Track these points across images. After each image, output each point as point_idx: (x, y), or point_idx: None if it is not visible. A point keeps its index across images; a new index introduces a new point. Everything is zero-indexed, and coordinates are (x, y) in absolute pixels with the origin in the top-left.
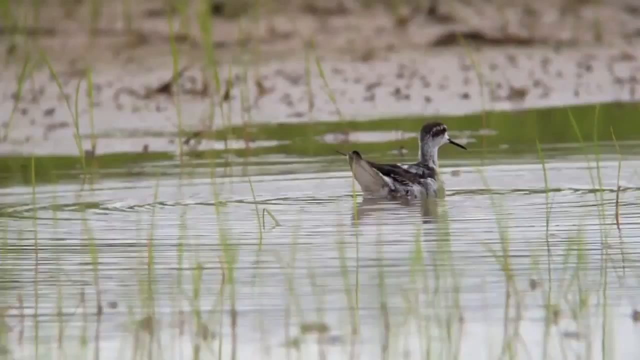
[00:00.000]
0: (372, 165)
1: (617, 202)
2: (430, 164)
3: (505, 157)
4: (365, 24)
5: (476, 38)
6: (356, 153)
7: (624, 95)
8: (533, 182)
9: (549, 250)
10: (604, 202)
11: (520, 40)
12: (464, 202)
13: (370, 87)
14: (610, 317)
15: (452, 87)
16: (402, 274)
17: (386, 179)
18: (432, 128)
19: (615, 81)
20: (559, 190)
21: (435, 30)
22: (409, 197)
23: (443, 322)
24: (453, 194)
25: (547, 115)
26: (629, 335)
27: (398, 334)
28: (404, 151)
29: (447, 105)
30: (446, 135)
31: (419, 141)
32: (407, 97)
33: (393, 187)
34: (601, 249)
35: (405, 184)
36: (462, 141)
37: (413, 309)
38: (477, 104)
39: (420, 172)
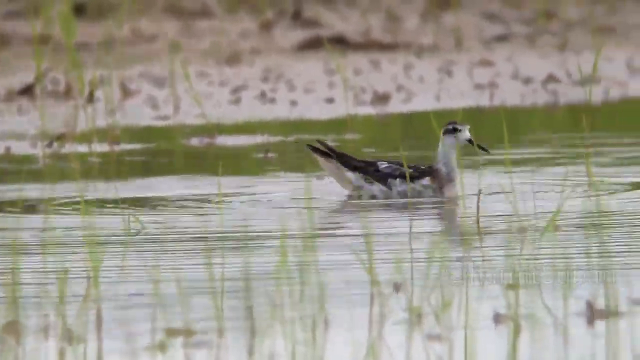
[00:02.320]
0: (340, 160)
1: (477, 205)
2: (439, 165)
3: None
4: (230, 27)
5: (341, 43)
6: (310, 146)
7: (484, 100)
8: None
9: (412, 253)
10: (466, 205)
11: (383, 45)
12: (331, 207)
13: (235, 90)
14: (472, 319)
15: (317, 91)
16: (268, 277)
17: (349, 174)
18: (444, 126)
19: (475, 86)
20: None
21: (300, 34)
22: (370, 197)
23: (308, 325)
24: (317, 198)
25: (409, 119)
26: (490, 337)
27: (264, 338)
28: (270, 155)
29: (313, 109)
30: (462, 136)
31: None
32: (272, 100)
33: (357, 184)
34: (463, 252)
35: (370, 183)
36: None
37: (279, 312)
38: (342, 108)
39: (397, 173)
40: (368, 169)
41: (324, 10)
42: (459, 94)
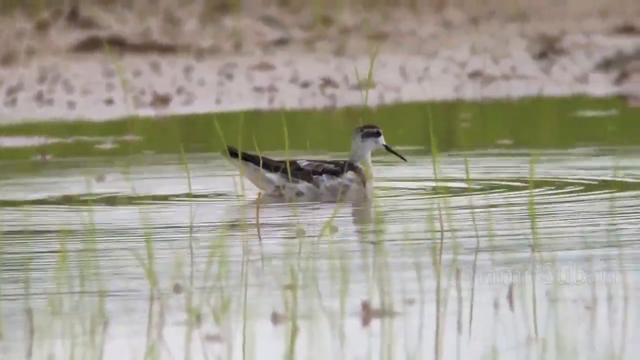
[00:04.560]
0: (257, 161)
1: (257, 208)
2: (356, 163)
3: (150, 162)
4: (4, 27)
5: (119, 44)
6: (228, 150)
7: (263, 104)
8: (176, 188)
9: (192, 255)
10: (247, 205)
11: (162, 47)
12: (110, 208)
13: (10, 91)
14: (250, 319)
15: (95, 92)
16: (48, 278)
17: (270, 175)
18: (363, 128)
19: (255, 89)
20: (204, 196)
21: (77, 35)
22: (297, 195)
23: (87, 326)
24: (100, 199)
25: (190, 122)
26: (268, 337)
27: (42, 339)
28: (47, 157)
29: (91, 111)
30: (381, 141)
31: (352, 139)
32: (49, 102)
33: (278, 184)
34: (242, 254)
35: (295, 181)
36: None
37: (58, 313)
38: (122, 110)
39: (320, 170)
40: (290, 169)
41: (100, 11)
42: (238, 97)
